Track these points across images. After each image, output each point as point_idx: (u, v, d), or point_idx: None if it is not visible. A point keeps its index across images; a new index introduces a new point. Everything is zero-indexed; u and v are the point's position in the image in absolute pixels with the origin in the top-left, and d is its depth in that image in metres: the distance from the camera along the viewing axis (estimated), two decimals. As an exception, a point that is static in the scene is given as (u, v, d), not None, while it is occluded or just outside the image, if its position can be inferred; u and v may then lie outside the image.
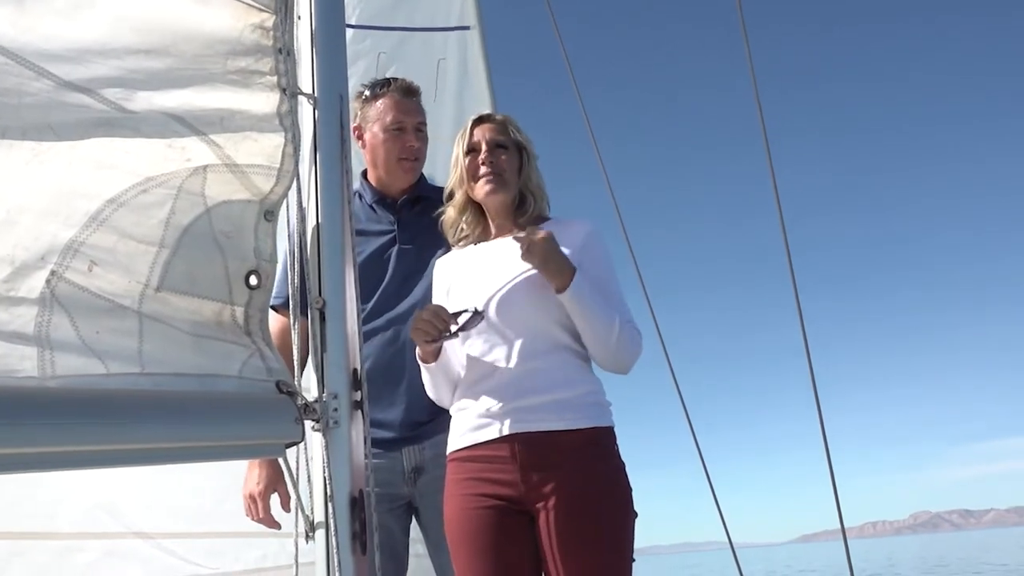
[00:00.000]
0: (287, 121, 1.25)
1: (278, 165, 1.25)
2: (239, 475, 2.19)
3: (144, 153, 1.18)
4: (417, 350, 1.89)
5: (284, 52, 1.26)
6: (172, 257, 1.18)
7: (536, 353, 1.83)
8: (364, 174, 2.37)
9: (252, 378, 1.22)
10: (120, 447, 1.06)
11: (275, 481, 2.10)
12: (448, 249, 2.09)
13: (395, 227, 2.26)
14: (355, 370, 1.27)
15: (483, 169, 1.94)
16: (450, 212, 2.02)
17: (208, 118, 1.22)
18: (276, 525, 2.10)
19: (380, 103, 2.27)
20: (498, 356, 1.84)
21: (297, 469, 1.30)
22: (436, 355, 1.87)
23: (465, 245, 2.04)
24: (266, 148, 1.25)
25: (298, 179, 1.27)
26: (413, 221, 2.26)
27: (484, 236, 2.02)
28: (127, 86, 1.18)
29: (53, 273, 1.11)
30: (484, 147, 1.95)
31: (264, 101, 1.25)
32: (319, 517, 1.23)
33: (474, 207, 2.01)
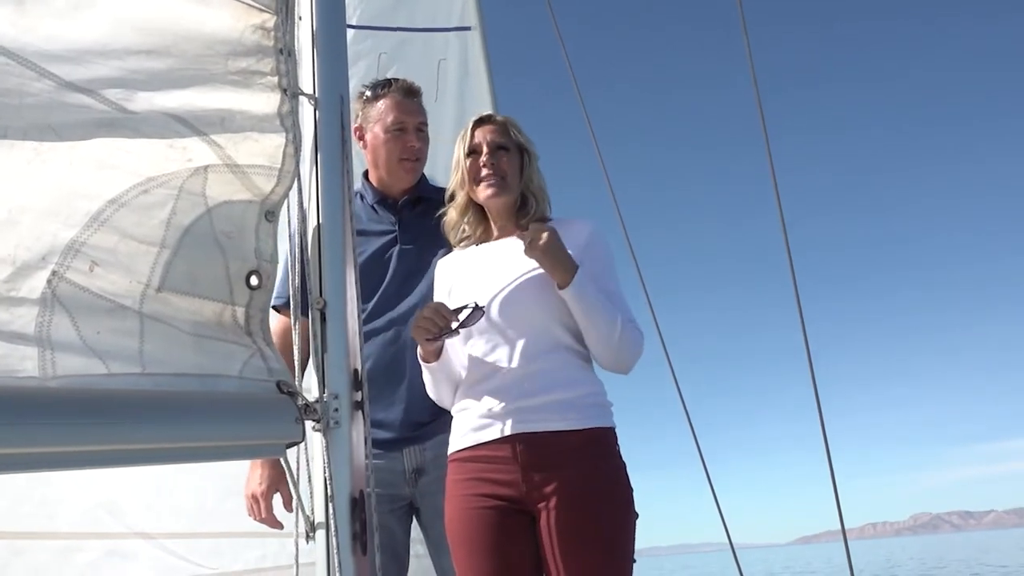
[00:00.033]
0: (288, 121, 1.26)
1: (279, 165, 1.25)
2: (239, 475, 2.19)
3: (145, 153, 1.18)
4: (418, 350, 1.89)
5: (285, 53, 1.26)
6: (173, 257, 1.19)
7: (538, 353, 1.83)
8: (365, 175, 2.37)
9: (253, 378, 1.23)
10: (121, 447, 1.06)
11: (277, 481, 2.10)
12: (449, 250, 2.09)
13: (396, 227, 2.27)
14: (356, 370, 1.27)
15: (485, 172, 1.94)
16: (452, 213, 2.02)
17: (209, 118, 1.22)
18: (278, 525, 2.10)
19: (381, 104, 2.27)
20: (500, 356, 1.85)
21: (298, 469, 1.31)
22: (437, 355, 1.87)
23: (467, 246, 2.04)
24: (267, 148, 1.25)
25: (299, 179, 1.27)
26: (414, 221, 2.26)
27: (486, 237, 2.02)
28: (128, 86, 1.18)
29: (54, 273, 1.11)
30: (485, 149, 1.95)
31: (265, 101, 1.25)
32: (319, 517, 1.23)
33: (476, 208, 2.01)
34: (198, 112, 1.21)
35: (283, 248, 1.34)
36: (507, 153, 1.96)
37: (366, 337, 1.99)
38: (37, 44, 1.12)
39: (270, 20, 1.25)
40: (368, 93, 2.30)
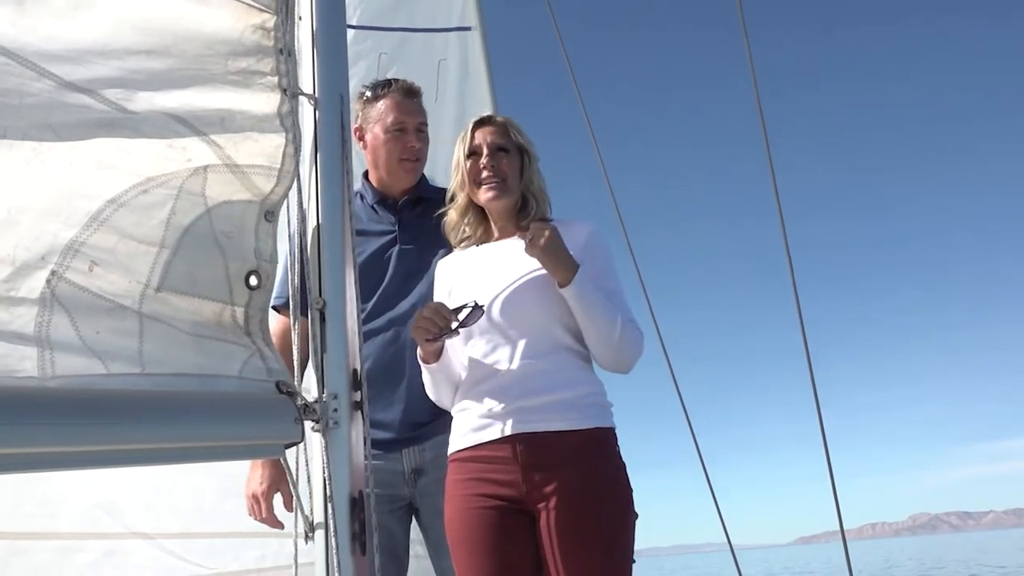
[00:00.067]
0: (288, 122, 1.25)
1: (279, 165, 1.25)
2: (238, 475, 2.19)
3: (145, 153, 1.18)
4: (418, 350, 1.89)
5: (285, 53, 1.26)
6: (172, 257, 1.18)
7: (538, 353, 1.84)
8: (365, 175, 2.37)
9: (252, 378, 1.22)
10: (120, 447, 1.06)
11: (278, 481, 2.10)
12: (449, 250, 2.09)
13: (396, 228, 2.27)
14: (355, 370, 1.27)
15: (485, 174, 1.94)
16: (452, 214, 2.02)
17: (209, 118, 1.22)
18: (279, 525, 2.10)
19: (381, 104, 2.27)
20: (500, 356, 1.85)
21: (297, 470, 1.30)
22: (437, 356, 1.87)
23: (467, 246, 2.04)
24: (267, 148, 1.25)
25: (299, 180, 1.27)
26: (414, 222, 2.26)
27: (486, 238, 2.02)
28: (128, 86, 1.18)
29: (53, 273, 1.11)
30: (485, 151, 1.95)
31: (265, 101, 1.25)
32: (318, 518, 1.23)
33: (476, 209, 2.01)
34: (198, 112, 1.21)
35: (283, 248, 1.34)
36: (507, 155, 1.96)
37: (365, 337, 1.99)
38: (37, 44, 1.12)
39: (270, 20, 1.25)
40: (368, 93, 2.30)
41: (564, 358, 1.85)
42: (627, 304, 1.93)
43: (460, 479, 1.85)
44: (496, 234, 2.01)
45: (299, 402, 1.22)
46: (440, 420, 2.03)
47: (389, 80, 2.34)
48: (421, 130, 2.30)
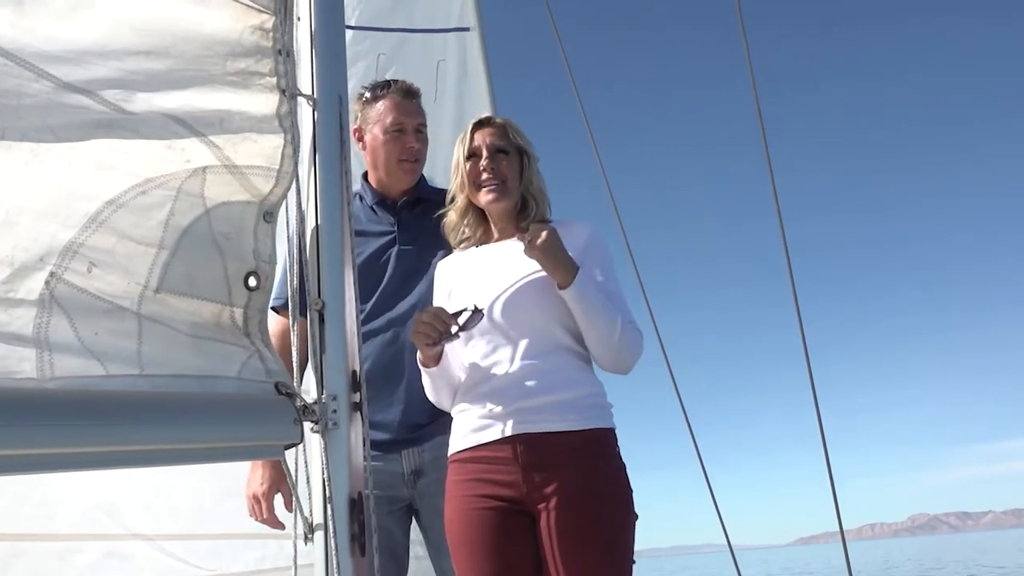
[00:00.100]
0: (286, 122, 1.25)
1: (277, 166, 1.25)
2: (238, 476, 2.18)
3: (143, 154, 1.18)
4: (418, 354, 1.89)
5: (284, 53, 1.26)
6: (171, 258, 1.18)
7: (538, 354, 1.83)
8: (365, 176, 2.37)
9: (251, 379, 1.22)
10: (119, 449, 1.06)
11: (279, 481, 2.10)
12: (449, 251, 2.09)
13: (395, 228, 2.27)
14: (354, 371, 1.27)
15: (485, 176, 1.94)
16: (451, 216, 2.02)
17: (207, 119, 1.22)
18: (280, 526, 2.09)
19: (380, 105, 2.27)
20: (500, 357, 1.84)
21: (296, 471, 1.30)
22: (437, 359, 1.86)
23: (467, 248, 2.04)
24: (265, 149, 1.25)
25: (297, 180, 1.27)
26: (413, 222, 2.26)
27: (486, 239, 2.02)
28: (126, 87, 1.18)
29: (52, 274, 1.11)
30: (485, 152, 1.95)
31: (263, 102, 1.25)
32: (318, 519, 1.23)
33: (476, 211, 2.01)
34: (196, 113, 1.21)
35: (282, 249, 1.34)
36: (507, 156, 1.96)
37: (365, 338, 1.99)
38: (36, 45, 1.12)
39: (269, 21, 1.25)
40: (367, 94, 2.30)
41: (564, 359, 1.85)
42: (627, 305, 1.93)
43: (460, 480, 1.85)
44: (496, 235, 2.01)
45: (298, 403, 1.22)
46: (439, 421, 2.03)
47: (388, 81, 2.34)
48: (420, 131, 2.30)
